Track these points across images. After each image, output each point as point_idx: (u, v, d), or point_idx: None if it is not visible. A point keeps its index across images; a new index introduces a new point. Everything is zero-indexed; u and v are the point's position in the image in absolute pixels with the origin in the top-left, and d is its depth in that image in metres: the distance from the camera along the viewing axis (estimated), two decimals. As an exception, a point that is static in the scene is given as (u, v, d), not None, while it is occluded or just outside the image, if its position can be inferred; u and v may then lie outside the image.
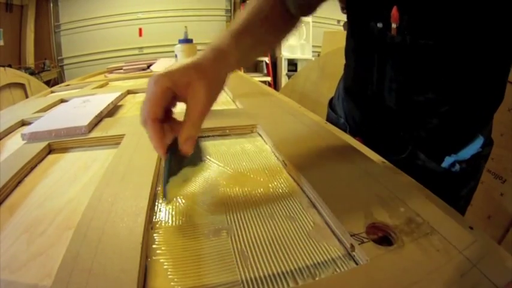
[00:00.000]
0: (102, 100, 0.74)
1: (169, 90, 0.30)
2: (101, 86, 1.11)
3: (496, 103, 0.49)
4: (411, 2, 0.42)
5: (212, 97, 0.32)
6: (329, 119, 0.67)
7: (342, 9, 0.55)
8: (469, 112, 0.48)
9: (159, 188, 0.38)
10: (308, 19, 4.33)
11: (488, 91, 0.47)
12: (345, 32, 0.59)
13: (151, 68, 1.50)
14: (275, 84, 4.31)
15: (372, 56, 0.51)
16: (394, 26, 0.44)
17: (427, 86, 0.47)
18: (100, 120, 0.62)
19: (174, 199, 0.36)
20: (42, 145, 0.50)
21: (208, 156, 0.36)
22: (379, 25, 0.46)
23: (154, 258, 0.27)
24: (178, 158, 0.32)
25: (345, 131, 0.58)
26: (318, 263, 0.26)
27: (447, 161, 0.50)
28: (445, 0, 0.39)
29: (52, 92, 1.12)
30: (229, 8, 4.43)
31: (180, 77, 0.30)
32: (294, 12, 0.47)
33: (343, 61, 0.62)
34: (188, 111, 0.31)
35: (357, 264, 0.26)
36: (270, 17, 0.44)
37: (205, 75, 0.32)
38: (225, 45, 0.36)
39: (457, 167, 0.50)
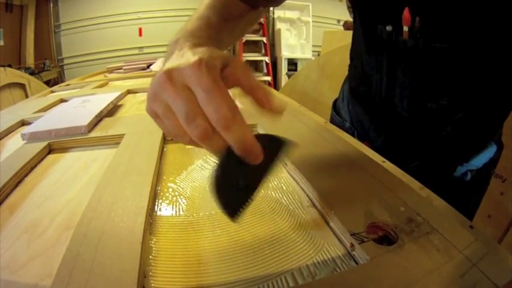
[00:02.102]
0: (102, 100, 0.74)
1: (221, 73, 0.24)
2: (101, 86, 1.11)
3: (510, 108, 0.46)
4: (424, 2, 0.39)
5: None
6: (333, 123, 0.64)
7: (348, 8, 0.52)
8: (483, 119, 0.45)
9: (158, 188, 0.38)
10: (308, 19, 4.34)
11: (504, 96, 0.44)
12: (345, 32, 0.58)
13: (151, 67, 1.50)
14: (275, 84, 4.31)
15: (381, 61, 0.48)
16: (405, 29, 0.41)
17: (442, 92, 0.44)
18: (100, 120, 0.62)
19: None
20: (42, 145, 0.50)
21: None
22: (389, 28, 0.44)
23: (154, 258, 0.27)
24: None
25: (352, 135, 0.56)
26: (318, 262, 0.26)
27: (459, 171, 0.48)
28: (462, 0, 0.37)
29: (52, 92, 1.12)
30: (229, 7, 4.43)
31: (221, 59, 0.25)
32: (254, 5, 0.43)
33: (344, 60, 0.60)
34: (243, 80, 0.25)
35: (357, 263, 0.26)
36: (234, 9, 0.41)
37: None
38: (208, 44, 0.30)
39: (469, 175, 0.48)
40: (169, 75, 0.23)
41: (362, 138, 0.57)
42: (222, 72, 0.24)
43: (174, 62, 0.25)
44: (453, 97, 0.44)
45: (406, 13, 0.40)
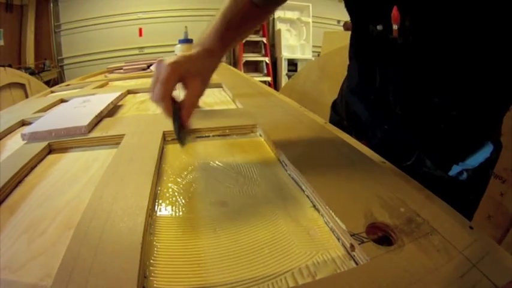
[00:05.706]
0: (102, 100, 0.74)
1: (179, 76, 0.40)
2: (101, 86, 1.11)
3: (506, 105, 0.45)
4: (412, 0, 0.39)
5: (204, 88, 0.44)
6: (332, 122, 0.65)
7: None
8: (478, 116, 0.45)
9: (158, 188, 0.38)
10: (308, 19, 4.34)
11: (499, 93, 0.44)
12: (345, 33, 0.59)
13: (151, 68, 1.50)
14: (275, 84, 4.31)
15: (374, 60, 0.49)
16: (395, 27, 0.42)
17: (434, 90, 0.44)
18: (100, 120, 0.62)
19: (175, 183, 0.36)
20: (42, 145, 0.50)
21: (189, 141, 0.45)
22: (379, 27, 0.44)
23: (154, 258, 0.27)
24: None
25: (350, 134, 0.56)
26: (318, 262, 0.26)
27: (454, 170, 0.48)
28: None
29: (52, 92, 1.12)
30: (229, 8, 4.43)
31: (187, 68, 0.41)
32: (260, 4, 0.51)
33: (343, 61, 0.61)
34: (188, 96, 0.41)
35: (357, 264, 0.26)
36: (245, 13, 0.50)
37: (202, 74, 0.44)
38: (214, 47, 0.47)
39: (465, 175, 0.48)
40: (159, 63, 0.40)
41: (359, 137, 0.57)
42: (184, 76, 0.40)
43: (171, 58, 0.40)
44: (445, 94, 0.44)
45: (394, 11, 0.41)
